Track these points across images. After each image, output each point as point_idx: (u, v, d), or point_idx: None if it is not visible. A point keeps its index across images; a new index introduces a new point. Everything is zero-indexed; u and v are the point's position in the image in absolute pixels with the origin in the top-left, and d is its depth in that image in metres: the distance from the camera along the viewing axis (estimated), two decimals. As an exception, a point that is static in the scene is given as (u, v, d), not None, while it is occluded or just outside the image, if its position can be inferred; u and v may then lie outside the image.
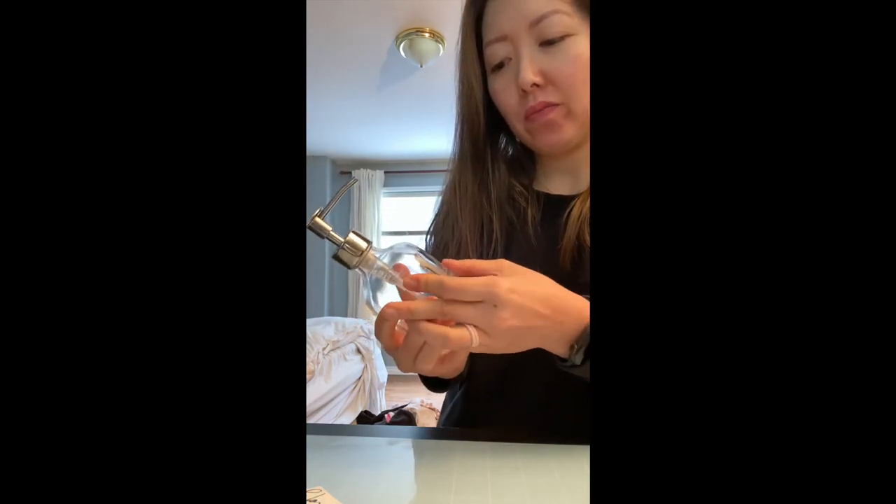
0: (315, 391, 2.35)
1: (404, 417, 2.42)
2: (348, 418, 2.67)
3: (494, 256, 0.55)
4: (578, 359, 0.39)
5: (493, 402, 0.56)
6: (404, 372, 0.39)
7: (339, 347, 2.79)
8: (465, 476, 0.37)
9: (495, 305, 0.34)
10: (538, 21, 0.47)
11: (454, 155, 0.58)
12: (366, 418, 2.52)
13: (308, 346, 2.48)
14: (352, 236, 0.36)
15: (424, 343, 0.36)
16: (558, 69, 0.48)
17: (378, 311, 0.36)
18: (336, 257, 0.37)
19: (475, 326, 0.35)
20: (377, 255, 0.37)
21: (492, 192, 0.55)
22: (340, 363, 2.71)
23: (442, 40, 2.33)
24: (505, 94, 0.51)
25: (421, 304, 0.35)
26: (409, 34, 2.29)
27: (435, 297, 0.36)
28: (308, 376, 2.35)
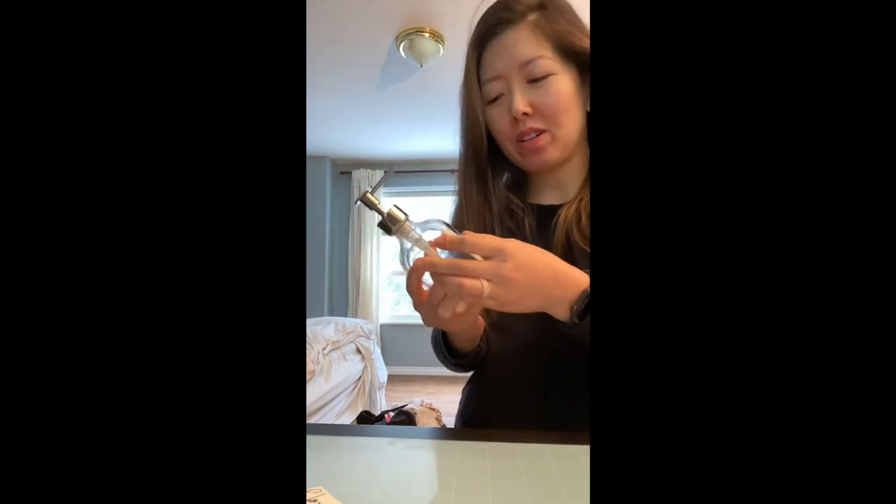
0: (315, 391, 2.35)
1: (404, 417, 2.41)
2: (348, 418, 2.67)
3: None
4: (577, 318, 0.47)
5: (503, 399, 0.62)
6: (427, 326, 0.47)
7: (339, 347, 2.79)
8: (465, 476, 0.37)
9: (504, 260, 0.42)
10: (526, 63, 0.59)
11: (460, 174, 0.69)
12: (366, 418, 2.51)
13: (308, 346, 2.48)
14: (393, 209, 0.47)
15: (445, 295, 0.44)
16: (543, 101, 0.61)
17: (409, 267, 0.46)
18: (381, 224, 0.47)
19: (487, 280, 0.43)
20: (413, 227, 0.47)
21: (493, 206, 0.67)
22: (340, 363, 2.71)
23: (442, 40, 2.33)
24: (500, 122, 0.64)
25: (443, 259, 0.44)
26: (409, 34, 2.29)
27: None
28: (308, 376, 2.35)
